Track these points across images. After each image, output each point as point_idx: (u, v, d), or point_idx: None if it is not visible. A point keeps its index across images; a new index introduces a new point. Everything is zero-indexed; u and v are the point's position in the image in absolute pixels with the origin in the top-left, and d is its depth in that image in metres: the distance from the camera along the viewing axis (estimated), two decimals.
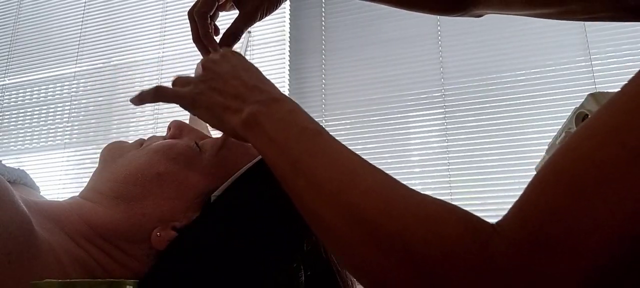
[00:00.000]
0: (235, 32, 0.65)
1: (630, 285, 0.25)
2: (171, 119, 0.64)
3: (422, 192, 0.37)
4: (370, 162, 0.41)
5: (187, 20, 0.64)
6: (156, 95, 0.54)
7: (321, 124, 0.45)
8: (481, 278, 0.28)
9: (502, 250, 0.29)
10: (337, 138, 0.43)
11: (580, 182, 0.26)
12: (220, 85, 0.50)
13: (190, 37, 0.65)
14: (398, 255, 0.32)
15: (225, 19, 0.66)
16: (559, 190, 0.27)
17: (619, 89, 0.29)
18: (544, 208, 0.27)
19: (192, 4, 0.66)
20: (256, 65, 0.56)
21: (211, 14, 0.65)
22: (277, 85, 0.52)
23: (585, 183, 0.26)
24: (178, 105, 0.54)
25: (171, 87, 0.55)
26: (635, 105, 0.27)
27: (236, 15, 0.66)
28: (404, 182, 0.40)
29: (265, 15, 0.67)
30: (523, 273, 0.27)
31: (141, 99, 0.55)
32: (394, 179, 0.39)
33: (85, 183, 0.59)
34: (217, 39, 0.66)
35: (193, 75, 0.55)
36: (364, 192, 0.37)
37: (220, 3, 0.66)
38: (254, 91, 0.48)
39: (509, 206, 0.32)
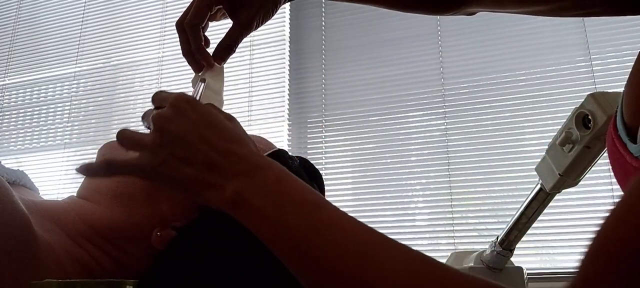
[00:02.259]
0: (231, 43, 0.61)
1: None
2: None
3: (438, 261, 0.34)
4: (381, 233, 0.37)
5: None
6: (108, 168, 0.45)
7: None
8: None
9: None
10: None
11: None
12: (185, 153, 0.42)
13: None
14: None
15: (215, 31, 0.63)
16: (618, 273, 0.25)
17: None
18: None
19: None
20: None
21: (203, 25, 0.61)
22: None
23: None
24: None
25: (124, 139, 0.45)
26: None
27: (229, 26, 0.62)
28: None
29: (261, 25, 0.63)
30: None
31: (90, 171, 0.47)
32: (411, 250, 0.36)
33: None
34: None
35: (190, 91, 0.49)
36: (383, 271, 0.33)
37: (212, 13, 0.61)
38: (229, 157, 0.41)
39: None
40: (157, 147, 0.43)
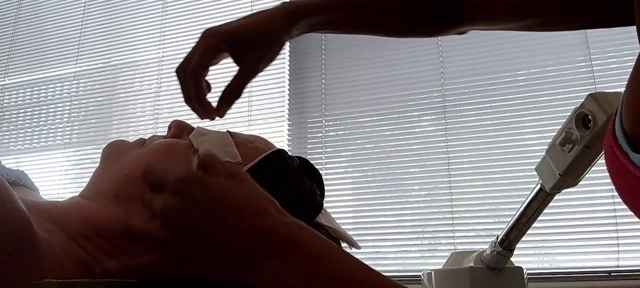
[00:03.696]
0: (237, 88, 0.59)
1: None
2: (172, 119, 0.64)
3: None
4: None
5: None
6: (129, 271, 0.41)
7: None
8: None
9: None
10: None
11: None
12: (204, 245, 0.38)
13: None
14: None
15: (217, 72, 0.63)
16: None
17: None
18: None
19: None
20: None
21: (204, 75, 0.59)
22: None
23: None
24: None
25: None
26: None
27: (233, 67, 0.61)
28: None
29: (267, 66, 0.61)
30: None
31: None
32: None
33: (85, 183, 0.59)
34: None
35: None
36: None
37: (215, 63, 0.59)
38: (257, 239, 0.37)
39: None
40: (172, 244, 0.38)
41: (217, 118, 0.62)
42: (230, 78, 0.62)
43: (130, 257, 0.40)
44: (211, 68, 0.59)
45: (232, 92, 0.60)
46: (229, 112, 0.60)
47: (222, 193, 0.39)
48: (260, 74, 0.59)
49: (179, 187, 0.39)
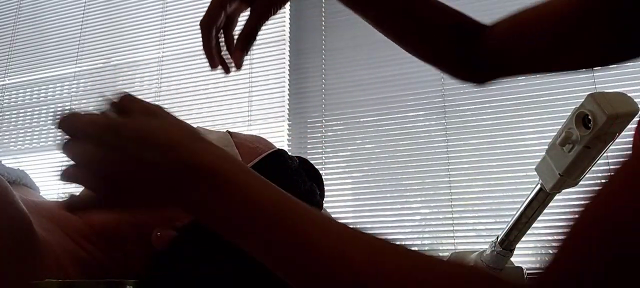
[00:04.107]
0: (250, 32, 0.61)
1: None
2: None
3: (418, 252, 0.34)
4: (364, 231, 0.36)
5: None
6: (71, 208, 0.43)
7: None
8: None
9: None
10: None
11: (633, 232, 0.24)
12: (135, 183, 0.39)
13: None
14: None
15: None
16: (609, 241, 0.25)
17: None
18: (590, 260, 0.26)
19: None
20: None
21: (218, 24, 0.61)
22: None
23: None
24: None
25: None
26: None
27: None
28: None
29: (278, 11, 0.64)
30: None
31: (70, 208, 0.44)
32: (392, 243, 0.36)
33: None
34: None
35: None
36: (363, 260, 0.33)
37: (229, 12, 0.61)
38: (180, 167, 0.38)
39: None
40: (102, 188, 0.40)
41: (234, 70, 0.63)
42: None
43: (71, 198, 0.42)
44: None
45: (246, 38, 0.60)
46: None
47: (137, 133, 0.39)
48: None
49: (94, 133, 0.39)
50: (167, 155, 0.38)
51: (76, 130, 0.40)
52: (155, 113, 0.42)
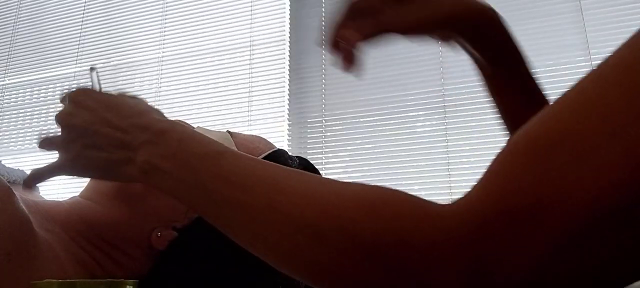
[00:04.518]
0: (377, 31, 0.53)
1: (595, 261, 0.24)
2: (171, 119, 0.64)
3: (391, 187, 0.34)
4: (289, 168, 0.38)
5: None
6: (35, 179, 0.49)
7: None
8: (437, 253, 0.27)
9: (460, 222, 0.27)
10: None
11: (555, 152, 0.25)
12: (92, 140, 0.44)
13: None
14: (350, 251, 0.30)
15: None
16: (529, 160, 0.26)
17: (605, 59, 0.28)
18: (511, 178, 0.26)
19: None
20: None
21: (362, 8, 0.54)
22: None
23: (559, 154, 0.25)
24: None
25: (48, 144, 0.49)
26: (621, 78, 0.26)
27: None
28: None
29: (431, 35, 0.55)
30: (485, 244, 0.25)
31: (26, 184, 0.50)
32: (319, 177, 0.37)
33: (85, 184, 0.59)
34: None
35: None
36: (294, 197, 0.34)
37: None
38: (133, 132, 0.43)
39: None
40: (68, 143, 0.46)
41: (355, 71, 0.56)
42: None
43: (45, 166, 0.48)
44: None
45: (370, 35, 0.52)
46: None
47: (111, 100, 0.47)
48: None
49: (74, 98, 0.48)
50: (129, 119, 0.44)
51: (65, 97, 0.49)
52: (137, 97, 0.49)
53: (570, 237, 0.24)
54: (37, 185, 0.50)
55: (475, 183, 0.28)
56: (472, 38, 0.53)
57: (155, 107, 0.48)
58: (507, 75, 0.56)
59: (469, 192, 0.28)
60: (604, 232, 0.24)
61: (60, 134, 0.47)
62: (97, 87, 0.53)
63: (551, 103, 0.28)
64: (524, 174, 0.26)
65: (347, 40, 0.53)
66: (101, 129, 0.44)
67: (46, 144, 0.49)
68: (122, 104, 0.46)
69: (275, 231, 0.34)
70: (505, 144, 0.29)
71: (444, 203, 0.30)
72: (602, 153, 0.24)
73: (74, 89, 0.49)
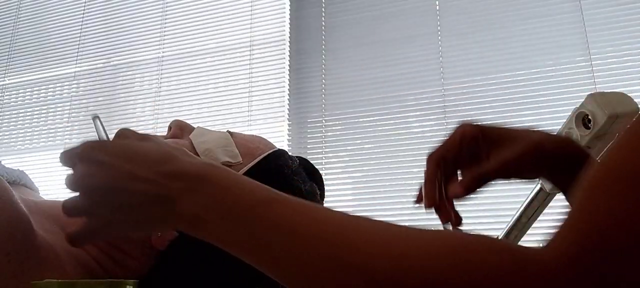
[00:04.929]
0: (476, 179, 0.52)
1: None
2: (172, 119, 0.64)
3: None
4: (335, 210, 0.36)
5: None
6: (72, 243, 0.43)
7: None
8: None
9: (566, 268, 0.25)
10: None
11: None
12: (121, 199, 0.39)
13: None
14: None
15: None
16: (621, 193, 0.25)
17: None
18: (607, 214, 0.25)
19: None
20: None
21: (448, 159, 0.53)
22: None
23: None
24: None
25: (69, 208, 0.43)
26: None
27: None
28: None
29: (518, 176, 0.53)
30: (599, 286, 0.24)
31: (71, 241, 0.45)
32: (386, 223, 0.34)
33: None
34: None
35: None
36: (365, 246, 0.31)
37: (468, 149, 0.53)
38: (166, 181, 0.38)
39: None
40: (94, 208, 0.41)
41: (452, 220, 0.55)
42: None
43: (80, 231, 0.42)
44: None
45: (469, 186, 0.52)
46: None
47: (127, 149, 0.41)
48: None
49: (85, 156, 0.42)
50: (158, 167, 0.39)
51: (71, 157, 0.43)
52: (150, 137, 0.44)
53: None
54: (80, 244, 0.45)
55: (560, 225, 0.27)
56: (555, 170, 0.52)
57: (177, 148, 0.42)
58: None
59: (559, 235, 0.27)
60: None
61: (78, 196, 0.42)
62: (103, 136, 0.46)
63: (621, 135, 0.27)
64: (620, 208, 0.25)
65: (454, 197, 0.52)
66: (128, 185, 0.39)
67: (71, 211, 0.42)
68: (140, 151, 0.40)
69: (342, 285, 0.31)
70: (583, 183, 0.27)
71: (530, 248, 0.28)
72: None
73: (80, 146, 0.42)
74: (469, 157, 0.52)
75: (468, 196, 0.52)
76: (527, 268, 0.26)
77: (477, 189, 0.52)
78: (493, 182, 0.53)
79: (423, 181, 0.54)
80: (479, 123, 0.53)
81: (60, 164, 0.45)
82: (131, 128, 0.45)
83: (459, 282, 0.27)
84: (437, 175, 0.53)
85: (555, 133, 0.70)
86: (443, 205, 0.54)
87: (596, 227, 0.25)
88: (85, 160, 0.41)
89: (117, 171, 0.39)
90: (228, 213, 0.36)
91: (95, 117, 0.48)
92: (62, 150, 0.44)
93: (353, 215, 0.35)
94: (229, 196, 0.37)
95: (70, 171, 0.44)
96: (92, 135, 0.46)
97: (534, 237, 1.73)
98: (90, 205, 0.41)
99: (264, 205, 0.36)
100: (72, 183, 0.41)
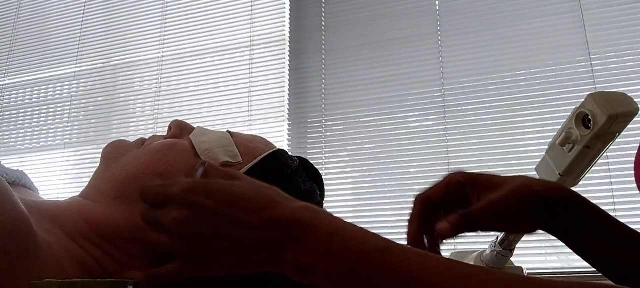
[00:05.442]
0: (463, 223, 0.51)
1: None
2: (172, 119, 0.64)
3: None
4: (476, 266, 0.36)
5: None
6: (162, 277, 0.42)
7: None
8: None
9: None
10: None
11: None
12: (225, 244, 0.39)
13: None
14: None
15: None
16: None
17: None
18: None
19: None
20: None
21: (436, 202, 0.54)
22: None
23: None
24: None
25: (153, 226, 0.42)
26: None
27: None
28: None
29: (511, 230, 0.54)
30: None
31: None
32: (517, 276, 0.34)
33: (85, 183, 0.59)
34: None
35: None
36: None
37: (456, 193, 0.54)
38: (272, 229, 0.38)
39: None
40: (196, 253, 0.40)
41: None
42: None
43: (154, 268, 0.41)
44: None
45: (456, 230, 0.51)
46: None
47: (229, 193, 0.40)
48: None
49: (184, 198, 0.40)
50: (262, 214, 0.38)
51: (163, 197, 0.41)
52: (237, 175, 0.43)
53: None
54: None
55: None
56: (546, 214, 0.51)
57: (274, 190, 0.42)
58: (588, 241, 0.52)
59: None
60: None
61: (171, 238, 0.40)
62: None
63: None
64: None
65: (442, 236, 0.51)
66: (233, 231, 0.38)
67: (160, 247, 0.41)
68: (241, 195, 0.40)
69: None
70: None
71: None
72: None
73: (177, 187, 0.41)
74: (457, 202, 0.53)
75: (456, 236, 0.51)
76: None
77: (466, 231, 0.51)
78: (483, 233, 0.54)
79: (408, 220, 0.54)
80: (469, 172, 0.55)
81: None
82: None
83: None
84: (421, 215, 0.53)
85: (554, 135, 0.71)
86: (424, 246, 0.53)
87: None
88: (184, 203, 0.39)
89: (220, 217, 0.39)
90: (336, 262, 0.36)
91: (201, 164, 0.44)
92: (146, 185, 0.42)
93: (484, 269, 0.35)
94: (338, 244, 0.37)
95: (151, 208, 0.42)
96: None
97: (534, 237, 1.73)
98: (189, 250, 0.40)
99: (378, 253, 0.36)
100: (168, 224, 0.40)
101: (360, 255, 0.36)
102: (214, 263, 0.40)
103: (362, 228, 0.38)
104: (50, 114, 2.42)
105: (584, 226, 0.51)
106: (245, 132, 0.65)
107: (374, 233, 0.38)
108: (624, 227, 0.53)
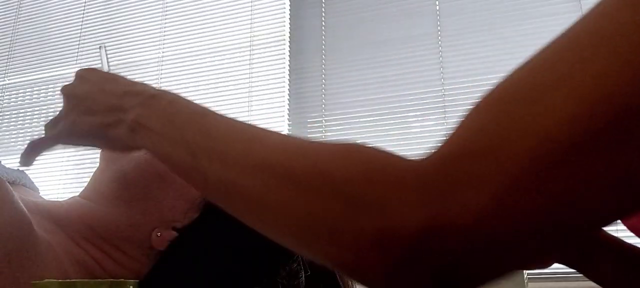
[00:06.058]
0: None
1: (554, 195, 0.25)
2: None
3: None
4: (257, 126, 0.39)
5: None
6: (33, 149, 0.54)
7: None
8: (397, 188, 0.28)
9: (424, 165, 0.29)
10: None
11: (510, 100, 0.27)
12: (88, 106, 0.48)
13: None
14: (318, 189, 0.30)
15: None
16: (487, 110, 0.28)
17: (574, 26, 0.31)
18: (470, 127, 0.28)
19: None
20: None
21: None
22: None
23: (513, 102, 0.27)
24: None
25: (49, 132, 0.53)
26: (568, 38, 0.30)
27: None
28: None
29: None
30: (444, 180, 0.27)
31: (24, 160, 0.55)
32: (297, 136, 0.37)
33: (85, 184, 0.59)
34: None
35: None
36: (270, 145, 0.35)
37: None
38: (126, 97, 0.46)
39: None
40: (68, 112, 0.50)
41: None
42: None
43: (44, 137, 0.54)
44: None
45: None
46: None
47: (108, 75, 0.51)
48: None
49: (80, 73, 0.52)
50: (125, 88, 0.47)
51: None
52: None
53: (521, 173, 0.25)
54: (35, 158, 0.55)
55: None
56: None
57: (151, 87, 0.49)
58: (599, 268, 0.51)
59: (438, 146, 0.30)
60: (551, 170, 0.25)
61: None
62: (105, 65, 0.57)
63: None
64: (481, 122, 0.28)
65: None
66: (98, 96, 0.48)
67: (49, 125, 0.52)
68: (121, 77, 0.50)
69: (249, 176, 0.34)
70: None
71: None
72: (549, 98, 0.26)
73: (79, 69, 0.53)
74: None
75: None
76: (393, 161, 0.30)
77: None
78: None
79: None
80: None
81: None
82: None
83: (337, 167, 0.30)
84: None
85: None
86: None
87: (458, 138, 0.28)
88: (79, 75, 0.52)
89: (94, 85, 0.49)
90: (166, 121, 0.42)
91: (101, 47, 0.59)
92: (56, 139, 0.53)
93: (277, 132, 0.38)
94: (171, 108, 0.43)
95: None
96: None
97: None
98: (64, 108, 0.51)
99: (199, 114, 0.41)
100: (62, 88, 0.52)
101: (184, 115, 0.41)
102: (79, 123, 0.48)
103: (199, 104, 0.43)
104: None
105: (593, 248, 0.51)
106: None
107: (206, 107, 0.43)
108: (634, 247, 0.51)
